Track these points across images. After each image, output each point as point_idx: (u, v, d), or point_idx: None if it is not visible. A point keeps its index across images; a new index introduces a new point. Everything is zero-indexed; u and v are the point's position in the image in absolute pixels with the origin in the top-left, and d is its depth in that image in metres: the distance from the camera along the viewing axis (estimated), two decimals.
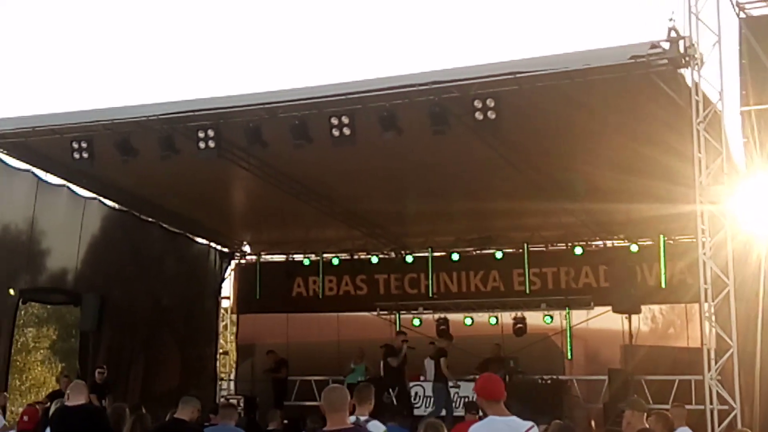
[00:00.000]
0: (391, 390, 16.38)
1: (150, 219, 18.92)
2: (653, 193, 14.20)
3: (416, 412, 16.69)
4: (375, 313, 19.92)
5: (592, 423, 17.18)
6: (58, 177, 16.32)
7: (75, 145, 13.71)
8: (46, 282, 16.92)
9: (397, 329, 19.38)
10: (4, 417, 14.54)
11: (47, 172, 16.05)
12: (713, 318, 10.90)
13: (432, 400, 17.08)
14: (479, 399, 6.49)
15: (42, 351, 32.64)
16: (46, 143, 14.37)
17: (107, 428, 8.43)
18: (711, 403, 10.76)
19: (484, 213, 17.81)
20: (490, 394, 6.37)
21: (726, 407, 10.74)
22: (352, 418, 8.39)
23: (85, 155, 13.72)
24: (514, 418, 6.31)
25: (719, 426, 10.70)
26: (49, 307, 29.59)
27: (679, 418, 10.52)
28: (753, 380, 11.19)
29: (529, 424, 6.37)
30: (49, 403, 14.62)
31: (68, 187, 16.78)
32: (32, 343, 32.32)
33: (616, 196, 15.29)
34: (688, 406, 11.69)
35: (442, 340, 17.84)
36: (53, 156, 15.08)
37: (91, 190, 17.23)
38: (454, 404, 16.67)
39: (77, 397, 8.56)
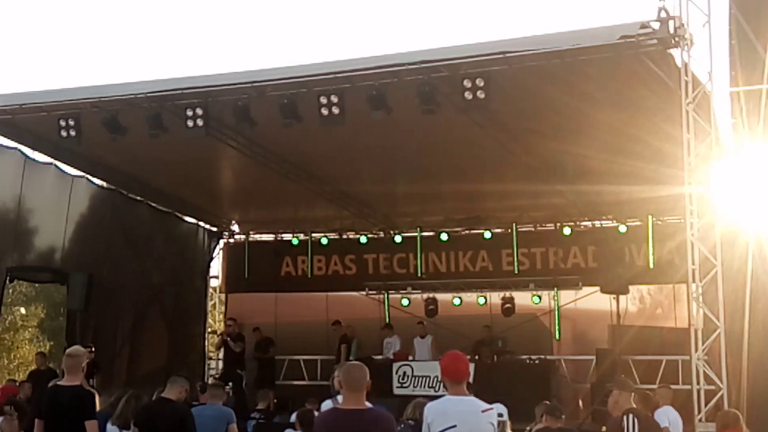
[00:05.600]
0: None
1: (138, 197, 18.80)
2: (642, 174, 14.20)
3: (403, 391, 16.67)
4: (364, 292, 19.86)
5: (580, 403, 17.26)
6: (46, 155, 16.19)
7: (62, 123, 13.62)
8: (34, 260, 16.83)
9: (386, 309, 19.46)
10: None
11: (34, 149, 15.90)
12: (701, 299, 10.94)
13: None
14: (443, 378, 6.44)
15: (30, 329, 32.53)
16: (34, 121, 14.27)
17: (92, 413, 8.38)
18: (698, 383, 10.81)
19: (472, 193, 17.80)
20: (453, 375, 6.35)
21: (713, 387, 10.80)
22: (339, 398, 8.45)
23: (73, 133, 13.64)
24: (474, 398, 6.29)
25: (706, 406, 10.74)
26: (37, 285, 29.49)
27: (664, 399, 10.64)
28: (740, 361, 11.23)
29: (489, 405, 6.34)
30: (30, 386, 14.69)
31: (56, 165, 16.64)
32: (20, 321, 32.22)
33: (605, 177, 15.26)
34: (675, 386, 11.82)
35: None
36: (40, 133, 14.97)
37: (78, 168, 17.10)
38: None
39: (71, 377, 8.49)
